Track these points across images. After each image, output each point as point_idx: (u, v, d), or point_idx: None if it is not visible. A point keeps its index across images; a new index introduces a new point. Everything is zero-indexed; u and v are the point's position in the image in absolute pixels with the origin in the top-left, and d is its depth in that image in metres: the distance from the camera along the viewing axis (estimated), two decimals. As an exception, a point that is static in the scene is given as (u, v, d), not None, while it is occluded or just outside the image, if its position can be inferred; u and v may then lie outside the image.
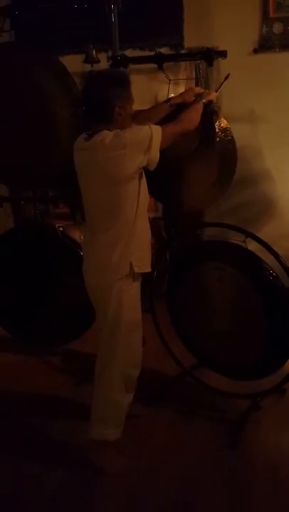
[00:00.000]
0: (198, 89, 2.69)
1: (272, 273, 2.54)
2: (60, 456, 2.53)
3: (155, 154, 2.16)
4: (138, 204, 2.25)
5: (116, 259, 2.26)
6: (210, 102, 2.57)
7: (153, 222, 4.34)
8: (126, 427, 2.43)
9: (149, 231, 2.42)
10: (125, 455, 2.45)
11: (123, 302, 2.29)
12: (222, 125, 2.79)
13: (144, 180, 2.29)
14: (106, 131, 2.14)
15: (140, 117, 2.49)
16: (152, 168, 2.21)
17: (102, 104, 2.17)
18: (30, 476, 2.39)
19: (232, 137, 2.82)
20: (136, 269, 2.29)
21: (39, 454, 2.55)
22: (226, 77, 2.73)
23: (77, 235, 4.24)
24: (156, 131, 2.16)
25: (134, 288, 2.34)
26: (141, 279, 2.41)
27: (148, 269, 2.40)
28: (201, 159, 2.81)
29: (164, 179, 2.69)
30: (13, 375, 3.32)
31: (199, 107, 2.47)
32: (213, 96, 2.61)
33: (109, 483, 2.33)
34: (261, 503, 2.20)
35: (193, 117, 2.41)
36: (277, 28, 3.88)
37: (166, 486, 2.31)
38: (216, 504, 2.20)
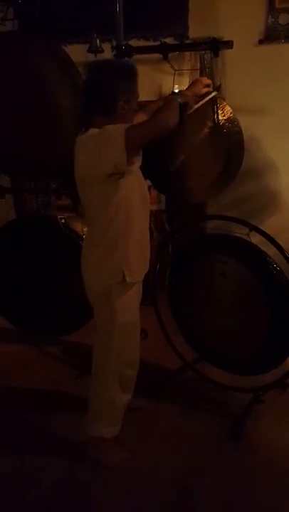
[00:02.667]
0: (206, 81, 2.59)
1: (275, 267, 2.52)
2: (60, 449, 2.52)
3: (117, 156, 1.98)
4: (127, 210, 2.15)
5: (106, 265, 2.21)
6: (185, 104, 2.25)
7: (156, 214, 4.35)
8: (127, 420, 2.43)
9: (147, 239, 2.35)
10: (126, 448, 2.44)
11: (115, 306, 2.24)
12: (229, 115, 2.76)
13: (132, 186, 2.17)
14: (93, 129, 2.08)
15: (151, 108, 2.44)
16: (124, 171, 2.05)
17: (107, 95, 2.07)
18: (30, 469, 2.38)
19: (240, 128, 2.79)
20: (128, 279, 2.21)
21: (39, 447, 2.55)
22: (218, 88, 2.65)
23: (79, 226, 4.23)
24: (119, 131, 1.98)
25: (128, 293, 2.27)
26: (141, 280, 2.37)
27: (141, 278, 2.34)
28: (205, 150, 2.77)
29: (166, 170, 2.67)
30: (13, 367, 3.32)
31: (174, 106, 2.16)
32: (191, 100, 2.33)
33: (109, 477, 2.32)
34: (262, 496, 2.19)
35: (167, 117, 2.10)
36: (283, 18, 3.84)
37: (167, 479, 2.31)
38: (217, 497, 2.19)
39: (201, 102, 2.47)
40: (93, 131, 2.08)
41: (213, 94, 2.57)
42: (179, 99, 2.18)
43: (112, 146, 1.98)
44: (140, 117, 2.34)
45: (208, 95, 2.54)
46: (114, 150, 1.98)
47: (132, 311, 2.33)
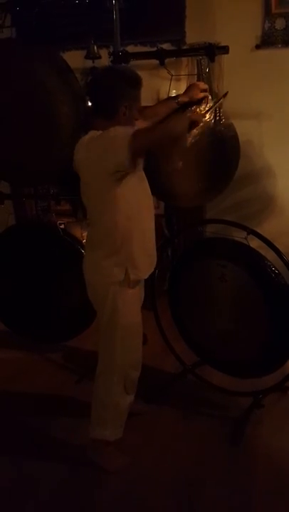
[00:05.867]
0: (203, 85, 2.59)
1: (274, 270, 2.53)
2: (61, 453, 2.52)
3: (122, 156, 1.99)
4: (130, 209, 2.16)
5: (109, 264, 2.21)
6: (194, 122, 2.31)
7: (155, 219, 4.35)
8: (127, 424, 2.43)
9: (152, 237, 2.34)
10: (126, 452, 2.44)
11: (118, 307, 2.24)
12: (224, 120, 2.77)
13: (135, 185, 2.18)
14: (93, 132, 2.10)
15: (148, 112, 2.45)
16: (128, 172, 2.08)
17: (109, 99, 2.11)
18: (31, 474, 2.39)
19: (235, 133, 2.80)
20: (132, 277, 2.22)
21: (40, 452, 2.55)
22: (224, 95, 2.63)
23: (78, 232, 4.24)
24: (126, 132, 2.01)
25: (131, 293, 2.28)
26: (143, 283, 2.37)
27: (145, 276, 2.35)
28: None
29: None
30: (14, 372, 3.32)
31: (185, 120, 2.28)
32: (200, 119, 2.39)
33: (110, 481, 2.32)
34: (263, 501, 2.19)
35: (176, 129, 2.23)
36: (279, 23, 3.84)
37: (168, 483, 2.31)
38: (218, 502, 2.20)
39: (207, 111, 2.52)
40: (94, 133, 2.11)
41: (220, 101, 2.59)
42: (189, 115, 2.25)
43: (118, 146, 1.99)
44: (138, 123, 2.34)
45: (205, 100, 2.54)
46: (119, 150, 1.98)
47: (134, 311, 2.34)
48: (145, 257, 2.30)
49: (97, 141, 2.09)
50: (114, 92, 2.10)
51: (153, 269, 2.40)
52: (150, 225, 2.32)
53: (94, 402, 2.39)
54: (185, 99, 2.52)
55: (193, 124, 2.29)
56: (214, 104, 2.63)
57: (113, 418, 2.36)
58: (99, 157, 2.07)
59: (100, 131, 2.10)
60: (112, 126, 2.08)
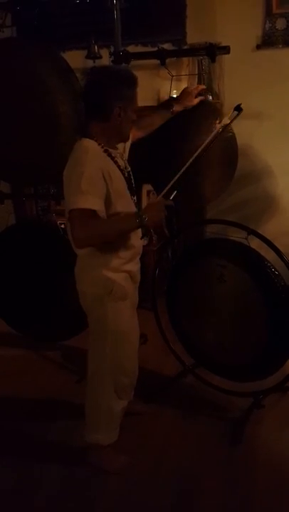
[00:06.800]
0: (198, 88, 2.51)
1: (274, 271, 2.53)
2: (61, 453, 2.52)
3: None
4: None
5: (95, 276, 2.16)
6: (147, 226, 2.11)
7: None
8: (126, 425, 2.43)
9: (135, 251, 2.24)
10: (126, 452, 2.44)
11: (108, 315, 2.18)
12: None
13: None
14: (79, 146, 2.02)
15: (143, 123, 2.42)
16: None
17: (102, 99, 2.02)
18: (31, 474, 2.39)
19: (233, 134, 2.80)
20: (113, 294, 2.15)
21: (40, 452, 2.55)
22: (238, 107, 2.48)
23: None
24: (78, 202, 1.93)
25: (121, 304, 2.21)
26: (137, 286, 2.31)
27: (127, 298, 2.24)
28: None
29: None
30: (13, 372, 3.32)
31: (133, 226, 2.08)
32: (153, 226, 2.17)
33: (110, 481, 2.32)
34: (263, 501, 2.19)
35: (120, 232, 2.10)
36: (280, 24, 3.85)
37: (168, 483, 2.31)
38: (217, 502, 2.19)
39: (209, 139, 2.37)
40: (78, 144, 2.04)
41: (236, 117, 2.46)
42: (145, 219, 2.03)
43: (72, 200, 1.95)
44: (133, 132, 2.30)
45: (202, 102, 2.49)
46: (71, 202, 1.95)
47: (124, 320, 2.26)
48: (129, 265, 2.22)
49: (69, 165, 2.02)
50: (108, 92, 2.02)
51: (138, 276, 2.35)
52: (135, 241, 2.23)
53: (87, 406, 2.37)
54: (179, 108, 2.45)
55: (146, 228, 2.15)
56: (230, 122, 2.52)
57: (106, 422, 2.35)
58: (65, 192, 2.02)
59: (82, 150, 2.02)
60: (108, 129, 2.05)
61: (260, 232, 2.56)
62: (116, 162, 2.10)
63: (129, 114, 2.09)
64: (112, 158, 2.08)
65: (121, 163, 2.15)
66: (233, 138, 2.83)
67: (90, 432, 2.37)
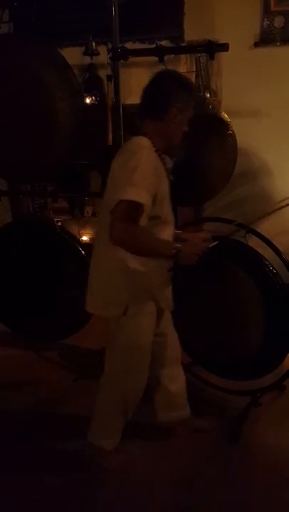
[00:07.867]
0: (204, 236, 2.29)
1: (272, 269, 2.52)
2: (61, 453, 2.51)
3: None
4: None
5: (108, 294, 2.11)
6: (180, 259, 2.03)
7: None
8: (126, 425, 2.42)
9: (164, 269, 2.15)
10: (125, 452, 2.43)
11: (128, 329, 2.12)
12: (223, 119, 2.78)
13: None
14: (134, 141, 1.98)
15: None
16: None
17: (162, 96, 2.03)
18: (30, 474, 2.37)
19: (232, 131, 2.80)
20: (130, 312, 2.07)
21: (39, 451, 2.53)
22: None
23: (75, 229, 4.22)
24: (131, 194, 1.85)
25: (136, 320, 2.12)
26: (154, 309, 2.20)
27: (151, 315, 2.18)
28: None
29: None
30: (11, 370, 3.31)
31: (170, 254, 2.03)
32: (188, 262, 2.05)
33: (110, 481, 2.32)
34: (261, 499, 2.19)
35: (156, 254, 2.04)
36: (278, 21, 3.84)
37: (166, 481, 2.31)
38: (216, 499, 2.19)
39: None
40: (134, 145, 1.98)
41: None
42: (180, 254, 2.00)
43: (121, 192, 1.87)
44: None
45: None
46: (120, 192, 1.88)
47: (146, 332, 2.20)
48: (154, 291, 2.16)
49: (121, 159, 1.97)
50: (171, 90, 2.03)
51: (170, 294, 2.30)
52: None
53: (95, 410, 2.35)
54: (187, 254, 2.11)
55: (178, 259, 2.04)
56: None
57: (112, 429, 2.34)
58: (112, 183, 1.98)
59: (131, 145, 1.99)
60: (160, 129, 2.03)
61: (258, 230, 2.55)
62: (165, 164, 2.09)
63: (183, 119, 2.08)
64: (162, 159, 2.07)
65: (168, 166, 2.13)
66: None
67: (94, 433, 2.35)
